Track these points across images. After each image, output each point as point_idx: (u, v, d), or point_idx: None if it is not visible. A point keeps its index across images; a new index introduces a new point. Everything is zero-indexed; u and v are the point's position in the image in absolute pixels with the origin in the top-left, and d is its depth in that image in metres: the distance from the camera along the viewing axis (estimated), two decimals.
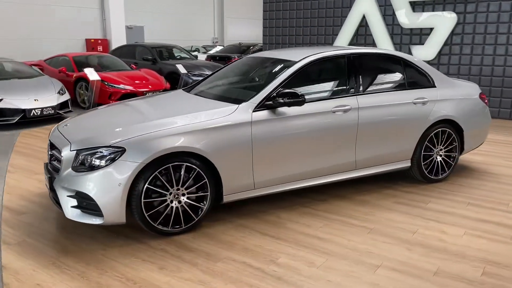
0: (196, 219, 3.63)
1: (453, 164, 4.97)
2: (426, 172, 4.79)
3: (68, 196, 3.40)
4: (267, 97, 3.87)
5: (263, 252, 3.31)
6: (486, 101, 5.27)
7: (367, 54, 4.60)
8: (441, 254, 3.30)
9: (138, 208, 3.36)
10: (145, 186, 3.34)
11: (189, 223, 3.61)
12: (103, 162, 3.31)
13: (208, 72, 11.48)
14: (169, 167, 3.42)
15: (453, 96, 4.89)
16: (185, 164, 3.47)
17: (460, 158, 5.83)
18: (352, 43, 10.60)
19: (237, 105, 3.82)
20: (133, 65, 11.92)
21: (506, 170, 5.41)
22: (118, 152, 3.32)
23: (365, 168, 4.46)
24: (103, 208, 3.28)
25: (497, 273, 3.04)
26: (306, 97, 4.11)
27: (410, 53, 9.82)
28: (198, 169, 3.53)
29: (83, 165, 3.37)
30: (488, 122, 5.30)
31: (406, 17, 9.75)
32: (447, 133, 4.83)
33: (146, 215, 3.39)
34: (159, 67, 12.45)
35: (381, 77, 4.70)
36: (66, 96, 8.81)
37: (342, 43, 10.67)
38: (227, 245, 3.42)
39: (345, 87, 4.33)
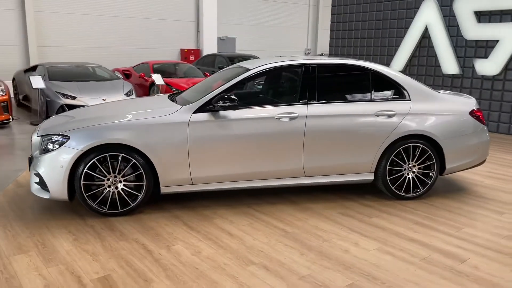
0: (132, 205, 4.11)
1: (430, 182, 4.69)
2: (393, 188, 4.62)
3: (34, 174, 4.15)
4: (209, 101, 4.21)
5: (168, 239, 3.67)
6: (481, 118, 4.86)
7: (329, 65, 4.63)
8: (329, 262, 3.30)
9: (78, 188, 3.96)
10: (84, 170, 3.94)
11: (126, 208, 4.11)
12: (55, 147, 4.00)
13: None
14: (106, 156, 3.98)
15: (431, 111, 4.64)
16: (121, 155, 3.99)
17: (463, 179, 5.44)
18: (413, 55, 10.14)
19: (181, 107, 4.23)
20: (207, 73, 12.89)
21: (507, 197, 4.90)
22: (65, 139, 3.98)
23: (318, 177, 4.49)
24: (49, 185, 3.96)
25: (364, 287, 2.98)
26: (253, 102, 4.37)
27: (473, 67, 9.10)
28: (134, 161, 4.02)
29: (43, 149, 4.10)
30: (484, 141, 4.87)
31: (470, 28, 9.06)
32: (421, 149, 4.60)
33: (85, 195, 3.98)
34: None
35: (342, 88, 4.67)
36: (133, 97, 9.98)
37: (403, 55, 10.27)
38: (145, 230, 3.85)
39: (296, 96, 4.45)
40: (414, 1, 10.07)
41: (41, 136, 4.18)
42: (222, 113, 4.21)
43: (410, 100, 4.65)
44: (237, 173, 4.28)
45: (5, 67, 13.69)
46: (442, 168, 4.76)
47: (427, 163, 4.66)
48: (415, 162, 4.64)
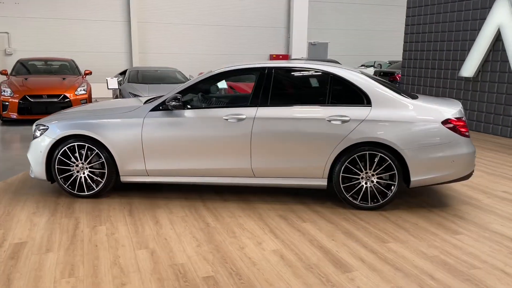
0: (96, 190, 4.71)
1: (390, 194, 4.41)
2: (347, 196, 4.46)
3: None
4: (164, 101, 4.60)
5: (101, 220, 4.16)
6: (459, 128, 4.38)
7: (287, 68, 4.66)
8: (214, 256, 3.44)
9: (54, 171, 4.70)
10: (58, 156, 4.66)
11: (91, 192, 4.73)
12: (41, 134, 4.80)
13: None
14: (74, 145, 4.64)
15: (394, 118, 4.35)
16: (87, 145, 4.62)
17: (458, 195, 4.97)
18: (486, 59, 9.14)
19: (141, 105, 4.71)
20: None
21: (488, 219, 4.36)
22: (45, 129, 4.75)
23: (268, 178, 4.55)
24: (32, 166, 4.77)
25: (219, 280, 3.08)
26: (208, 103, 4.65)
27: None
28: (97, 151, 4.62)
29: (34, 136, 4.94)
30: (463, 153, 4.37)
31: None
32: (381, 158, 4.36)
33: (59, 177, 4.71)
34: None
35: (297, 92, 4.65)
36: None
37: (474, 60, 9.31)
38: (93, 211, 4.40)
39: (248, 98, 4.59)
40: (488, 0, 9.08)
41: (35, 125, 5.03)
42: (175, 112, 4.58)
43: (370, 106, 4.43)
44: (188, 168, 4.59)
45: (113, 72, 15.78)
46: (408, 180, 4.43)
47: (391, 173, 4.39)
48: (374, 171, 4.41)
